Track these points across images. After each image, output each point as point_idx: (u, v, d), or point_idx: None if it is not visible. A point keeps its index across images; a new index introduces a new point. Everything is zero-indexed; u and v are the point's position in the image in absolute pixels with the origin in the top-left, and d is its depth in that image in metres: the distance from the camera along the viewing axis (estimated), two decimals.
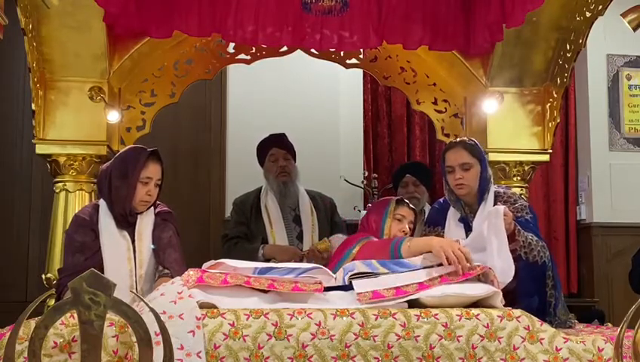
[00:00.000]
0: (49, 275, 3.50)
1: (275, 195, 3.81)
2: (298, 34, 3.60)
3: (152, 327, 1.78)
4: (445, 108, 4.17)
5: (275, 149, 3.86)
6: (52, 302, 3.08)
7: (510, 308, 2.38)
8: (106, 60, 3.59)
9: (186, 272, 2.39)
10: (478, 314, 2.28)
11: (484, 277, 2.52)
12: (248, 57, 4.04)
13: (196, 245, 4.89)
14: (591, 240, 5.60)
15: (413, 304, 2.37)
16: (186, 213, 4.51)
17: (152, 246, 2.82)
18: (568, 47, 3.74)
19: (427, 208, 4.15)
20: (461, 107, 4.15)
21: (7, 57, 5.11)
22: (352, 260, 2.73)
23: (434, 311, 2.28)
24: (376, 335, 2.20)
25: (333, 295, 2.43)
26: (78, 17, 3.41)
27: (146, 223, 2.85)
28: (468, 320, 2.26)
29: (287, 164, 3.84)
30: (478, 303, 2.43)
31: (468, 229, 2.95)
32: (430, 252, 2.65)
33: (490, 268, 2.52)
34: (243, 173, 4.74)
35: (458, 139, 3.11)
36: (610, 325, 3.11)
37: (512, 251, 2.73)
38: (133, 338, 2.00)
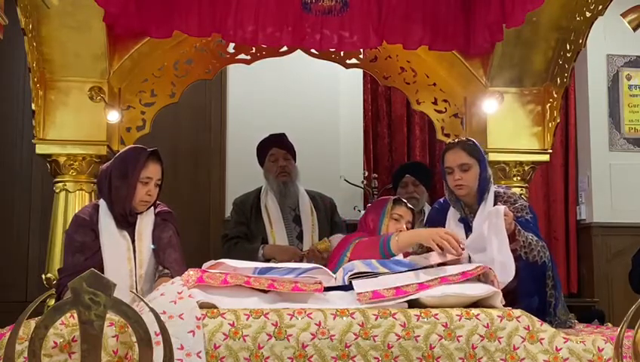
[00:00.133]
0: (49, 275, 3.50)
1: (275, 195, 3.81)
2: (298, 34, 3.60)
3: (152, 327, 1.78)
4: (445, 108, 4.17)
5: (275, 149, 3.86)
6: (52, 302, 3.08)
7: (510, 308, 2.38)
8: (106, 60, 3.59)
9: (186, 272, 2.39)
10: (478, 314, 2.28)
11: (484, 277, 2.52)
12: (248, 57, 4.04)
13: (196, 245, 4.89)
14: (591, 240, 5.60)
15: (413, 304, 2.37)
16: (186, 213, 4.51)
17: (152, 246, 2.82)
18: (568, 47, 3.74)
19: (427, 208, 4.15)
20: (461, 107, 4.15)
21: (7, 57, 5.11)
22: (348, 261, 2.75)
23: (434, 311, 2.28)
24: (376, 335, 2.20)
25: (333, 295, 2.43)
26: (78, 17, 3.41)
27: (146, 223, 2.85)
28: (468, 320, 2.26)
29: (287, 164, 3.84)
30: (478, 303, 2.42)
31: (468, 229, 2.95)
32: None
33: (490, 268, 2.52)
34: (243, 173, 4.74)
35: (457, 140, 3.11)
36: (610, 325, 3.11)
37: (513, 251, 2.73)
38: (133, 338, 2.00)
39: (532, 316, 2.33)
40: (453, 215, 3.05)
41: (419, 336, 2.21)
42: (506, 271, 2.63)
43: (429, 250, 3.06)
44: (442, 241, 2.63)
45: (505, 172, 3.93)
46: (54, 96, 3.62)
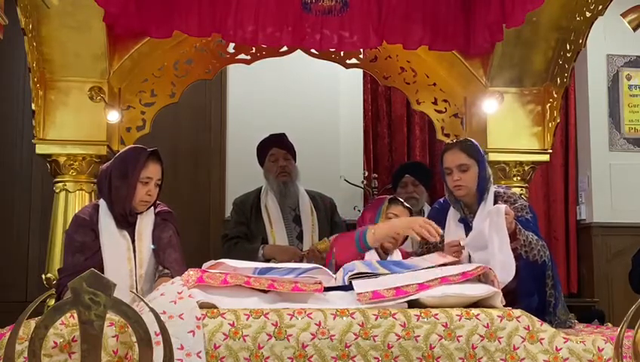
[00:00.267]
0: (49, 275, 3.50)
1: (275, 195, 3.82)
2: (298, 34, 3.60)
3: (152, 327, 1.78)
4: (445, 108, 4.17)
5: (275, 149, 3.86)
6: (52, 302, 3.08)
7: (510, 308, 2.38)
8: (106, 60, 3.59)
9: (186, 272, 2.39)
10: (478, 314, 2.28)
11: (484, 277, 2.52)
12: (248, 57, 4.05)
13: (196, 245, 4.89)
14: (591, 240, 5.60)
15: (413, 304, 2.37)
16: (186, 213, 4.51)
17: (152, 246, 2.82)
18: (568, 47, 3.75)
19: (426, 208, 4.15)
20: (461, 107, 4.15)
21: (7, 57, 5.11)
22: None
23: (434, 311, 2.28)
24: (376, 335, 2.20)
25: (333, 295, 2.43)
26: (78, 17, 3.41)
27: (146, 223, 2.85)
28: (468, 320, 2.26)
29: (288, 164, 3.84)
30: (478, 303, 2.42)
31: (468, 229, 2.95)
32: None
33: (490, 269, 2.52)
34: (243, 173, 4.74)
35: (455, 141, 3.12)
36: (610, 325, 3.11)
37: (513, 250, 2.73)
38: (133, 338, 2.00)
39: (532, 316, 2.33)
40: (453, 215, 3.05)
41: (419, 336, 2.21)
42: (506, 270, 2.64)
43: (430, 251, 3.07)
44: (421, 230, 2.73)
45: (505, 172, 3.93)
46: (54, 96, 3.63)
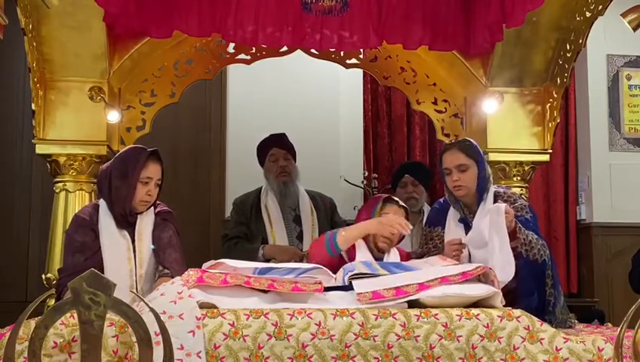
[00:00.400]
0: (49, 275, 3.50)
1: (276, 195, 3.82)
2: (298, 34, 3.60)
3: (152, 327, 1.78)
4: (445, 108, 4.17)
5: (276, 149, 3.86)
6: (52, 302, 3.08)
7: (510, 308, 2.38)
8: (106, 60, 3.59)
9: (186, 272, 2.39)
10: (478, 314, 2.28)
11: (484, 277, 2.52)
12: (248, 57, 4.05)
13: (196, 245, 4.89)
14: (591, 240, 5.60)
15: (413, 304, 2.37)
16: (186, 213, 4.51)
17: (152, 246, 2.82)
18: (568, 47, 3.75)
19: (426, 208, 4.15)
20: (461, 107, 4.15)
21: (7, 57, 5.11)
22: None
23: (434, 311, 2.28)
24: (376, 335, 2.20)
25: (333, 295, 2.43)
26: (78, 17, 3.41)
27: (146, 223, 2.85)
28: (468, 320, 2.26)
29: (288, 164, 3.84)
30: (478, 303, 2.42)
31: (468, 229, 2.96)
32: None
33: (490, 268, 2.52)
34: (243, 173, 4.74)
35: (454, 141, 3.12)
36: (610, 325, 3.11)
37: (513, 249, 2.74)
38: (133, 338, 2.00)
39: (532, 316, 2.33)
40: (453, 215, 3.05)
41: (419, 336, 2.21)
42: (506, 269, 2.64)
43: (430, 251, 3.07)
44: (391, 228, 2.84)
45: (505, 172, 3.93)
46: (54, 96, 3.63)
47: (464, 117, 4.14)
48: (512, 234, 2.77)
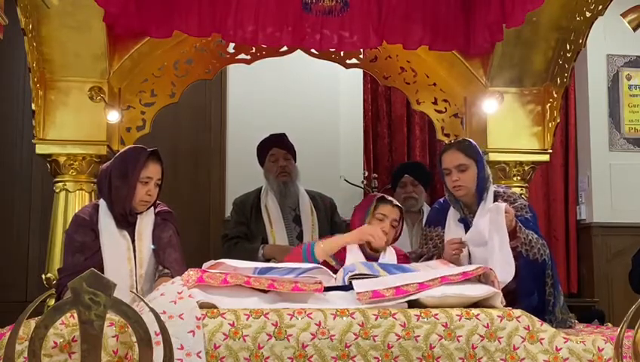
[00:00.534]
0: (49, 275, 3.50)
1: (276, 195, 3.81)
2: (298, 34, 3.60)
3: (152, 327, 1.78)
4: (445, 108, 4.17)
5: (276, 149, 3.86)
6: (52, 302, 3.08)
7: (510, 308, 2.38)
8: (106, 60, 3.59)
9: (186, 272, 2.39)
10: (478, 314, 2.28)
11: (484, 277, 2.52)
12: (248, 57, 4.04)
13: (196, 245, 4.89)
14: (591, 240, 5.60)
15: (413, 304, 2.37)
16: (186, 213, 4.51)
17: (152, 246, 2.82)
18: (568, 47, 3.74)
19: (426, 208, 4.15)
20: (461, 107, 4.15)
21: (7, 57, 5.11)
22: None
23: (434, 311, 2.28)
24: (376, 335, 2.20)
25: (333, 295, 2.44)
26: (78, 17, 3.41)
27: (146, 223, 2.85)
28: (468, 320, 2.26)
29: (288, 164, 3.84)
30: (478, 303, 2.42)
31: (468, 229, 2.95)
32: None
33: (490, 269, 2.52)
34: (243, 173, 4.74)
35: (454, 141, 3.12)
36: (610, 325, 3.11)
37: (513, 248, 2.74)
38: (133, 338, 2.00)
39: (532, 316, 2.33)
40: (453, 215, 3.05)
41: (419, 336, 2.21)
42: (506, 269, 2.64)
43: (430, 250, 3.07)
44: (369, 237, 2.89)
45: (505, 172, 3.93)
46: (54, 96, 3.62)
47: (464, 117, 4.14)
48: (512, 234, 2.77)
